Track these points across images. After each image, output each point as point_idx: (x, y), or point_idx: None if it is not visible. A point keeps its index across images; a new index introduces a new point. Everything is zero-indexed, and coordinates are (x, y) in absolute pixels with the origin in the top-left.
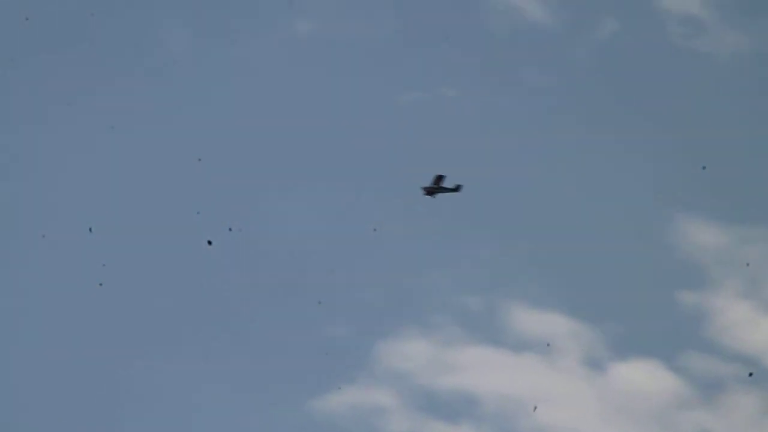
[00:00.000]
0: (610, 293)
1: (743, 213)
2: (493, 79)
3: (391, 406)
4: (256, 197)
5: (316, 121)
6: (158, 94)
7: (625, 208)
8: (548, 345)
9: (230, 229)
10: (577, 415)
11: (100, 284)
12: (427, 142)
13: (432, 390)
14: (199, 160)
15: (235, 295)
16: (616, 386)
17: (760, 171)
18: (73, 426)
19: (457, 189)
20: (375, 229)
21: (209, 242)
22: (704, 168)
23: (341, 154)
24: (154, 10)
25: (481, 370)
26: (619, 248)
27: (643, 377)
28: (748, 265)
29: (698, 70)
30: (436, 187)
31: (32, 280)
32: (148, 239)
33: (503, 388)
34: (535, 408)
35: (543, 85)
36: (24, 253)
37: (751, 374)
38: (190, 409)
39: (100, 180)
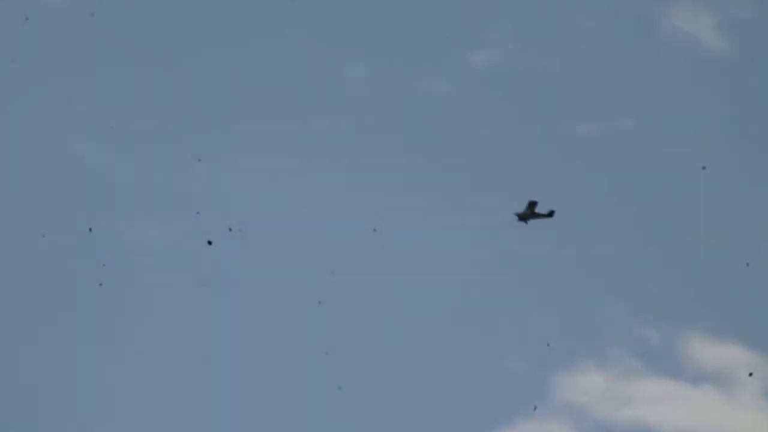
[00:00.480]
0: None
1: None
2: (669, 109)
3: None
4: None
5: (493, 154)
6: (336, 129)
7: None
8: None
9: (229, 229)
10: None
11: (100, 284)
12: (605, 171)
13: (609, 423)
14: (199, 160)
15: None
16: None
17: None
18: (77, 426)
19: (550, 215)
20: (375, 230)
21: (209, 242)
22: (704, 168)
23: (518, 185)
24: (334, 47)
25: (659, 403)
26: None
27: None
28: (747, 264)
29: None
30: (529, 213)
31: (32, 280)
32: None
33: (681, 420)
34: (535, 408)
35: (720, 113)
36: (24, 253)
37: (750, 374)
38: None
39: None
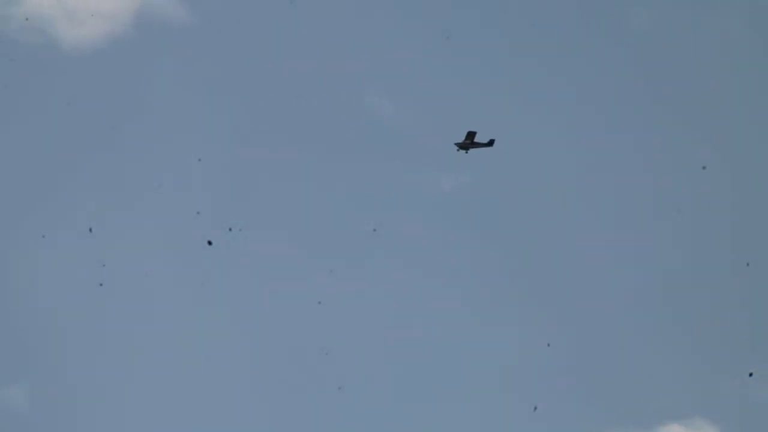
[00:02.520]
0: None
1: None
2: None
3: None
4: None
5: None
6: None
7: None
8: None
9: (230, 229)
10: None
11: (101, 284)
12: None
13: None
14: (199, 160)
15: None
16: None
17: None
18: (76, 426)
19: (490, 144)
20: (375, 230)
21: (209, 242)
22: (704, 168)
23: None
24: None
25: None
26: None
27: None
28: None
29: None
30: (468, 143)
31: (32, 280)
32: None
33: None
34: (535, 408)
35: None
36: (24, 253)
37: (751, 374)
38: None
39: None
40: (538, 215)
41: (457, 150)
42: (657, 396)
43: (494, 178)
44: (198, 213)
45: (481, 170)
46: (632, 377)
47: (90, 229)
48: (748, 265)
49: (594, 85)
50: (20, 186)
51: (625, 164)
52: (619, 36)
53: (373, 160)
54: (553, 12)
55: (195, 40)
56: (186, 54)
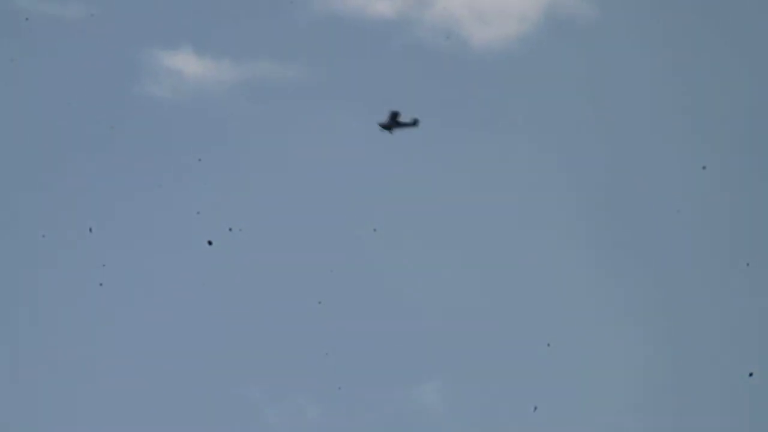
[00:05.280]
0: None
1: None
2: None
3: None
4: None
5: None
6: None
7: None
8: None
9: (230, 230)
10: None
11: (101, 284)
12: None
13: None
14: (199, 160)
15: None
16: None
17: None
18: (76, 426)
19: (414, 123)
20: (375, 230)
21: (209, 242)
22: (704, 168)
23: None
24: None
25: None
26: None
27: None
28: None
29: None
30: (392, 123)
31: (32, 280)
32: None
33: None
34: (535, 408)
35: None
36: (24, 253)
37: (751, 374)
38: None
39: (100, 183)
40: None
41: (380, 130)
42: None
43: None
44: (198, 213)
45: None
46: None
47: (90, 229)
48: (748, 265)
49: None
50: None
51: None
52: None
53: None
54: None
55: (603, 38)
56: (594, 53)
